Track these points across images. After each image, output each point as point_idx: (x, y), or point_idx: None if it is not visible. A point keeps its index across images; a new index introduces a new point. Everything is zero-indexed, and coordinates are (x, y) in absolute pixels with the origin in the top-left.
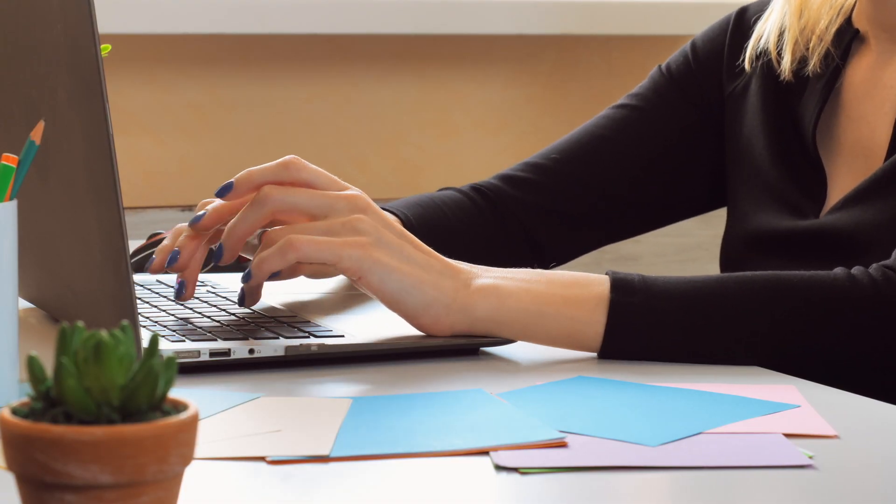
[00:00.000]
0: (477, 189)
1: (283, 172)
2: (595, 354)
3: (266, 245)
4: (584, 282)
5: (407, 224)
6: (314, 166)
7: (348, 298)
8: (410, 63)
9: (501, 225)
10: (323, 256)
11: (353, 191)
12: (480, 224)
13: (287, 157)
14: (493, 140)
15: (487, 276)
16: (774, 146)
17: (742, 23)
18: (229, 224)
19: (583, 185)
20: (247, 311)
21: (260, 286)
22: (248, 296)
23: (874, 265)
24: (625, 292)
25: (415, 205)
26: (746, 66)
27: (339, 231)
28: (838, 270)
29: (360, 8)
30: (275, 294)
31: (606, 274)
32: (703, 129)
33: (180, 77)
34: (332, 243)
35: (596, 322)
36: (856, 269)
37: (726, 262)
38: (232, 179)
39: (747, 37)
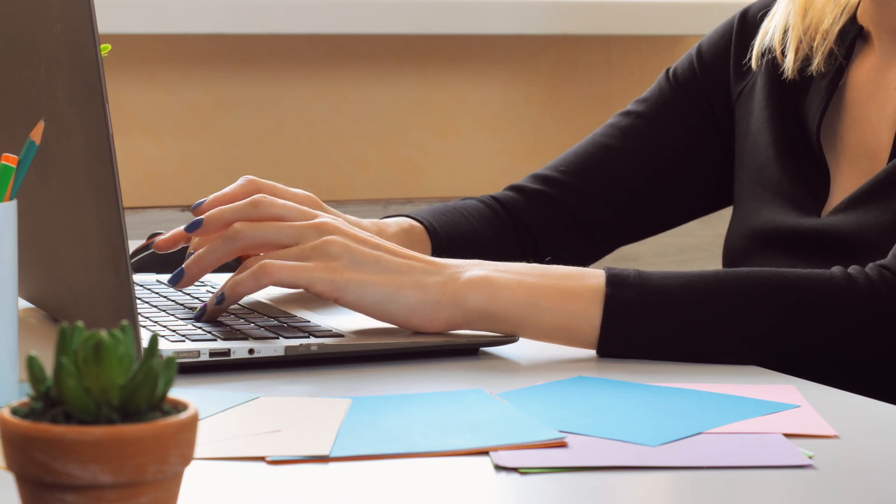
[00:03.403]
0: (495, 198)
1: (252, 211)
2: (594, 353)
3: (242, 269)
4: (578, 275)
5: (430, 230)
6: (282, 201)
7: None
8: (410, 63)
9: (515, 235)
10: (295, 281)
11: (323, 218)
12: (501, 234)
13: (255, 196)
14: (493, 140)
15: (480, 268)
16: (779, 143)
17: (746, 23)
18: (196, 254)
19: (591, 197)
20: (247, 311)
21: (224, 308)
22: (210, 314)
23: (871, 264)
24: (620, 286)
25: (439, 213)
26: (753, 64)
27: (311, 255)
28: (835, 269)
29: (360, 8)
30: (274, 294)
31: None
32: (709, 134)
33: (180, 77)
34: (305, 268)
35: (592, 316)
36: (852, 269)
37: (728, 257)
38: (202, 216)
39: (753, 35)
